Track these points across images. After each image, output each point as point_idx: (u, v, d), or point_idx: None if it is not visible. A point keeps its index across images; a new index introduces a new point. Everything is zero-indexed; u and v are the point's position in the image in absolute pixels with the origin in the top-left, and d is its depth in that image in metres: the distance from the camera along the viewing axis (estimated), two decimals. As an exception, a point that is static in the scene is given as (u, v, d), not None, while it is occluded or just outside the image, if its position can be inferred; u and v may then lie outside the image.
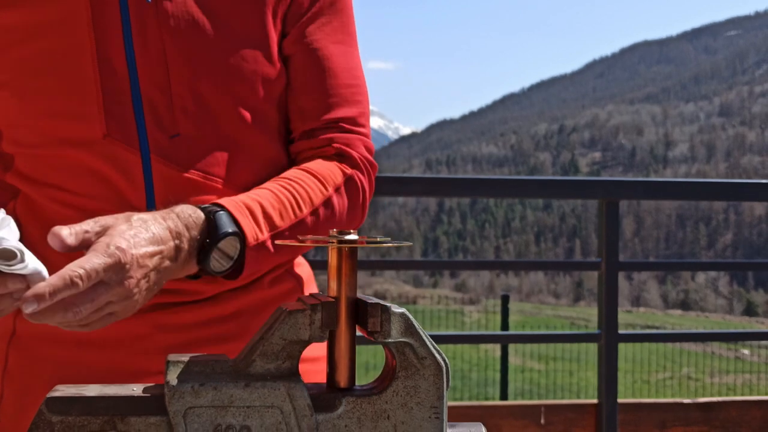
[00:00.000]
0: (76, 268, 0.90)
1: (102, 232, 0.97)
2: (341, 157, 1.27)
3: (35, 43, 1.15)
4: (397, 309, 0.78)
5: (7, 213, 1.21)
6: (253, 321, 1.23)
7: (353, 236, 0.81)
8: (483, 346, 15.65)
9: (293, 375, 0.77)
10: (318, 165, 1.24)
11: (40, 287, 0.87)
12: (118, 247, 0.94)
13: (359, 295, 0.85)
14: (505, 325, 10.24)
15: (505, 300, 10.54)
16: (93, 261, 0.92)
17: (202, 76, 1.18)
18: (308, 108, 1.27)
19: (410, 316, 0.79)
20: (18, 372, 1.22)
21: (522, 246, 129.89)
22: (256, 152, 1.23)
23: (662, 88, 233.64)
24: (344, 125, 1.28)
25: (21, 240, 1.03)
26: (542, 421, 2.78)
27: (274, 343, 0.77)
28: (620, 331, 2.85)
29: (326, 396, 0.79)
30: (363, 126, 1.30)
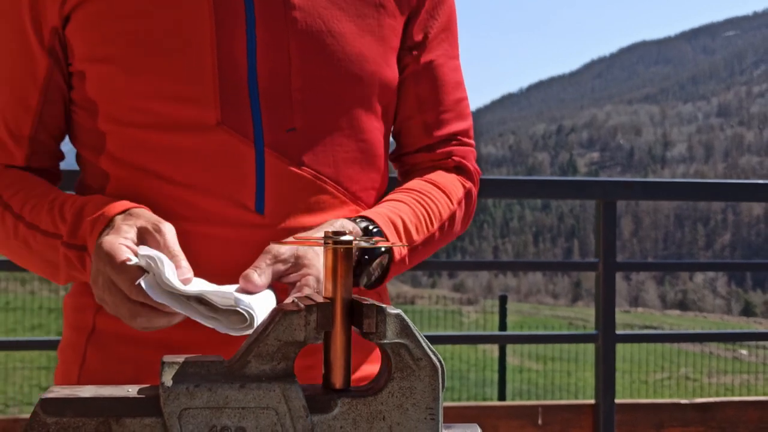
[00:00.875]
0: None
1: (298, 264, 1.01)
2: (459, 170, 1.31)
3: (150, 18, 1.11)
4: (392, 310, 0.78)
5: None
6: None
7: (348, 237, 0.81)
8: (481, 347, 15.66)
9: (288, 376, 0.77)
10: (442, 178, 1.28)
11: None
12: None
13: (354, 296, 0.85)
14: (503, 326, 10.24)
15: (503, 300, 10.53)
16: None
17: (323, 72, 1.16)
18: (430, 123, 1.29)
19: (405, 317, 0.79)
20: (95, 369, 1.20)
21: (520, 246, 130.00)
22: (366, 155, 1.22)
23: (660, 89, 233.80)
24: (461, 138, 1.32)
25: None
26: (539, 421, 2.79)
27: (269, 344, 0.77)
28: (618, 332, 2.85)
29: (321, 397, 0.79)
30: (472, 138, 1.34)
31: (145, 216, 1.03)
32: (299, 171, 1.15)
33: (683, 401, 2.87)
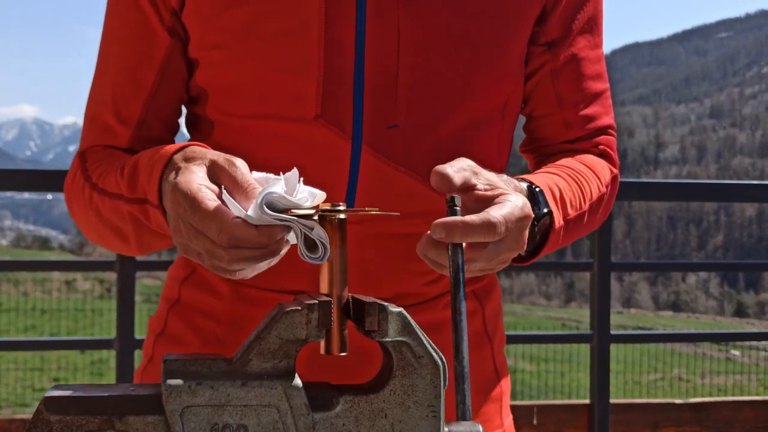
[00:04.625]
0: (495, 213, 0.89)
1: (491, 184, 0.95)
2: (604, 156, 1.25)
3: (259, 6, 1.09)
4: (394, 308, 0.79)
5: None
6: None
7: (342, 208, 0.86)
8: (475, 348, 15.62)
9: (290, 374, 0.78)
10: (593, 160, 1.22)
11: (455, 219, 0.87)
12: (522, 206, 0.93)
13: (356, 294, 0.85)
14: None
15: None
16: (513, 212, 0.92)
17: (435, 70, 1.10)
18: (573, 120, 1.22)
19: (407, 315, 0.79)
20: (170, 336, 1.22)
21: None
22: (477, 158, 1.10)
23: (653, 90, 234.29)
24: (608, 130, 1.26)
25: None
26: (535, 421, 2.79)
27: (270, 342, 0.77)
28: (612, 332, 2.86)
29: (323, 395, 0.79)
30: (615, 129, 1.29)
31: (210, 152, 0.96)
32: (397, 172, 1.10)
33: (678, 401, 2.88)
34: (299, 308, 0.78)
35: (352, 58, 1.08)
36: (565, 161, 1.18)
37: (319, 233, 0.86)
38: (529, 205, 0.95)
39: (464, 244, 0.89)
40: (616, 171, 1.25)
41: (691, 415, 2.85)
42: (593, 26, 1.22)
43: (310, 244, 0.86)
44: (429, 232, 0.87)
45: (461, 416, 0.82)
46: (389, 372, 0.80)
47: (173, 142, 1.21)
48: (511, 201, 0.93)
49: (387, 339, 0.78)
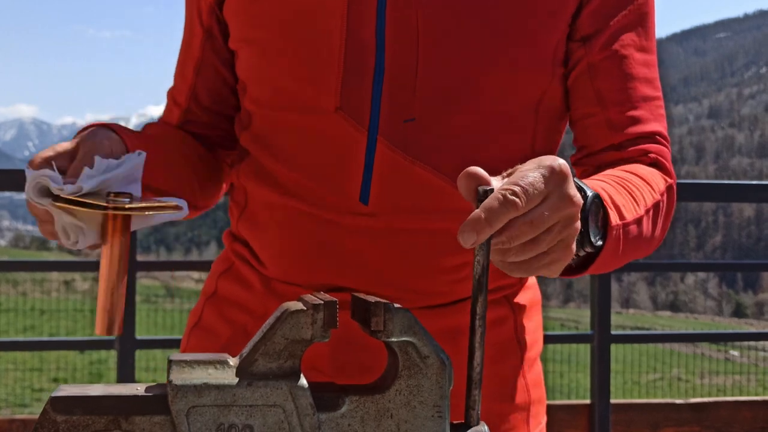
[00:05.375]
0: (509, 185, 0.79)
1: (510, 172, 0.85)
2: (657, 166, 1.15)
3: (288, 0, 1.11)
4: (399, 308, 0.79)
5: (233, 179, 1.24)
6: (444, 345, 1.05)
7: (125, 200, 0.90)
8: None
9: (295, 374, 0.78)
10: (641, 169, 1.12)
11: (474, 213, 0.78)
12: (550, 163, 0.82)
13: (361, 294, 0.86)
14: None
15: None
16: (528, 174, 0.81)
17: (454, 64, 1.08)
18: (617, 120, 1.15)
19: (412, 315, 0.79)
20: (204, 327, 1.26)
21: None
22: (496, 158, 1.09)
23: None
24: (658, 138, 1.17)
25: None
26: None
27: (276, 343, 0.78)
28: (613, 332, 2.86)
29: (329, 395, 0.79)
30: (669, 141, 1.19)
31: (89, 133, 1.03)
32: (412, 165, 1.08)
33: (678, 401, 2.88)
34: (304, 308, 0.78)
35: (372, 52, 1.08)
36: (610, 171, 1.10)
37: (64, 220, 0.94)
38: (554, 158, 0.84)
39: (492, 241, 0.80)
40: (671, 181, 1.15)
41: (690, 415, 2.85)
42: (639, 28, 1.16)
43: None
44: (459, 240, 0.79)
45: (470, 422, 0.82)
46: (395, 372, 0.80)
47: (226, 127, 1.30)
48: (520, 167, 0.84)
49: (392, 339, 0.78)
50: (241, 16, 1.16)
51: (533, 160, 0.84)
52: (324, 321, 0.78)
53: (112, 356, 14.12)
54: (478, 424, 0.82)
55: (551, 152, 1.17)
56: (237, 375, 0.77)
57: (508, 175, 0.84)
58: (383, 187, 1.09)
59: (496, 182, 0.81)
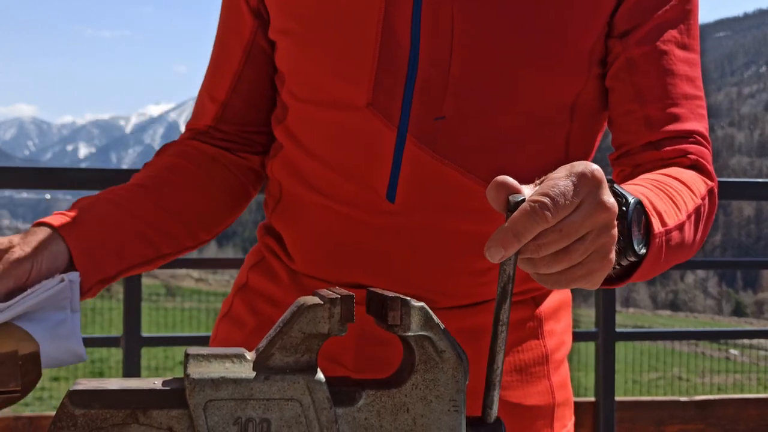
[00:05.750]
0: (538, 196, 0.76)
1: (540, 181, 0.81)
2: (697, 168, 1.11)
3: None
4: (416, 303, 0.79)
5: (268, 172, 1.23)
6: (467, 345, 1.01)
7: None
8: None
9: (312, 368, 0.78)
10: (680, 172, 1.07)
11: (501, 227, 0.75)
12: (582, 170, 0.79)
13: (377, 289, 0.86)
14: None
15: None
16: (559, 183, 0.77)
17: (488, 63, 1.06)
18: (655, 117, 1.11)
19: (429, 310, 0.79)
20: (232, 317, 1.27)
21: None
22: (528, 160, 1.08)
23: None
24: (698, 138, 1.12)
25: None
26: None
27: (293, 337, 0.78)
28: (618, 330, 2.86)
29: (346, 389, 0.79)
30: (710, 142, 1.15)
31: (31, 236, 1.02)
32: (441, 165, 1.07)
33: (683, 399, 2.88)
34: (321, 302, 0.78)
35: (406, 49, 1.07)
36: (646, 175, 1.05)
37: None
38: (586, 164, 0.80)
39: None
40: (712, 184, 1.10)
41: (695, 413, 2.85)
42: (681, 25, 1.13)
43: None
44: (486, 255, 0.76)
45: (486, 420, 0.82)
46: (411, 366, 0.80)
47: (265, 124, 1.26)
48: (551, 174, 0.80)
49: (409, 333, 0.78)
50: (282, 6, 1.15)
51: (565, 166, 0.81)
52: (341, 315, 0.78)
53: (113, 355, 14.11)
54: (494, 422, 0.83)
55: (587, 153, 1.16)
56: (254, 369, 0.77)
57: (540, 183, 0.80)
58: (411, 185, 1.08)
59: (528, 191, 0.79)
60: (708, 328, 13.59)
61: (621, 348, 15.18)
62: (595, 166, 0.81)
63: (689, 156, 1.10)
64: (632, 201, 0.88)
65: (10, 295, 0.96)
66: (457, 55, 1.07)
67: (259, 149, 1.27)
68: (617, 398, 2.82)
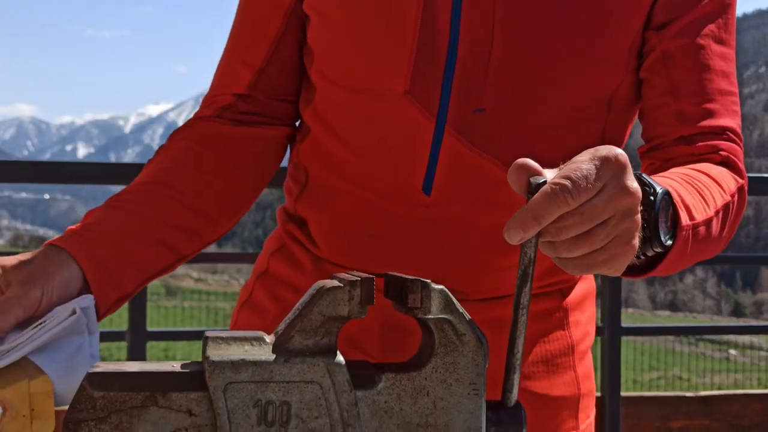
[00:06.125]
0: (559, 179, 0.76)
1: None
2: (728, 165, 1.10)
3: None
4: (436, 285, 0.78)
5: (293, 156, 1.20)
6: (492, 334, 0.97)
7: None
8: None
9: (331, 351, 0.77)
10: (710, 168, 1.06)
11: (521, 209, 0.75)
12: (606, 153, 0.79)
13: (395, 273, 0.85)
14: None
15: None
16: (582, 166, 0.77)
17: (529, 56, 1.05)
18: (689, 112, 1.09)
19: (449, 293, 0.79)
20: (253, 304, 1.25)
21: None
22: (564, 153, 1.01)
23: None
24: (730, 135, 1.11)
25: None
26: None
27: (312, 319, 0.77)
28: (623, 325, 2.87)
29: (365, 372, 0.79)
30: (742, 139, 1.14)
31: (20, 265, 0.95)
32: (480, 158, 1.05)
33: (688, 394, 2.88)
34: (341, 285, 0.77)
35: (446, 37, 1.05)
36: (679, 169, 1.04)
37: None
38: (610, 147, 0.80)
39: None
40: (742, 182, 1.09)
41: (700, 408, 2.85)
42: (719, 19, 1.12)
43: None
44: (505, 237, 0.76)
45: (506, 404, 0.82)
46: (430, 350, 0.79)
47: (296, 94, 1.21)
48: (575, 158, 0.80)
49: (430, 316, 0.78)
50: None
51: (589, 150, 0.80)
52: (361, 298, 0.77)
53: (115, 348, 14.10)
54: (514, 405, 0.82)
55: (620, 145, 1.14)
56: (273, 352, 0.77)
57: (563, 167, 0.80)
58: (448, 178, 1.07)
59: (550, 174, 0.78)
60: (710, 324, 13.55)
61: (622, 348, 15.19)
62: (620, 151, 0.80)
63: (721, 152, 1.09)
64: (660, 191, 0.88)
65: (20, 326, 0.91)
66: (497, 44, 1.04)
67: (287, 121, 1.22)
68: (623, 393, 2.82)
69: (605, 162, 0.78)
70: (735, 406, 2.89)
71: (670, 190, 0.92)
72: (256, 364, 0.75)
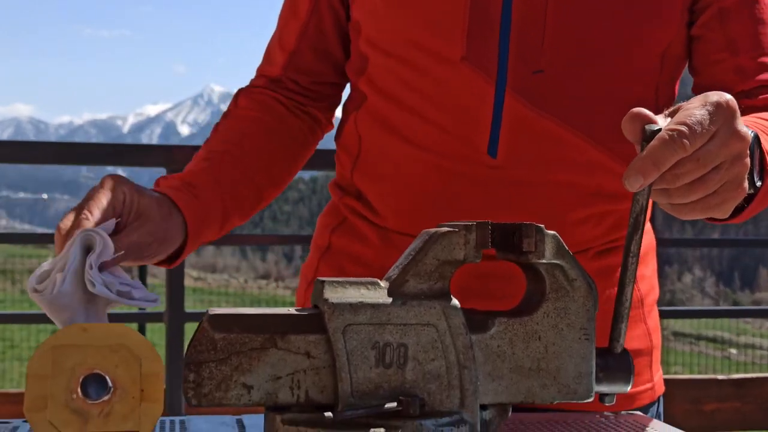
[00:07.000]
0: (675, 125, 0.77)
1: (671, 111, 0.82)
2: None
3: None
4: (549, 231, 0.79)
5: (347, 126, 1.21)
6: None
7: None
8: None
9: (445, 295, 0.78)
10: None
11: (639, 156, 0.76)
12: (717, 99, 0.80)
13: (487, 221, 0.85)
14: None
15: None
16: (695, 112, 0.78)
17: (584, 14, 1.06)
18: (747, 66, 1.11)
19: (561, 239, 0.79)
20: None
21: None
22: (620, 110, 1.01)
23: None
24: None
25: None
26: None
27: (427, 264, 0.78)
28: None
29: (478, 316, 0.79)
30: None
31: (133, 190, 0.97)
32: (541, 118, 1.07)
33: (720, 377, 2.89)
34: (456, 229, 0.78)
35: (499, 2, 1.06)
36: (745, 117, 0.99)
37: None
38: (721, 93, 0.81)
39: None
40: None
41: (732, 390, 2.85)
42: None
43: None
44: (625, 184, 0.77)
45: (613, 351, 0.82)
46: (541, 295, 0.80)
47: (334, 76, 1.25)
48: (685, 104, 0.81)
49: (543, 261, 0.79)
50: None
51: (698, 96, 0.81)
52: (476, 241, 0.78)
53: (157, 329, 14.09)
54: (621, 352, 0.83)
55: (672, 101, 1.16)
56: (389, 295, 0.77)
57: (672, 113, 0.81)
58: (512, 139, 1.08)
59: (662, 121, 0.80)
60: (715, 306, 13.46)
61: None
62: (729, 96, 0.81)
63: None
64: (752, 134, 0.88)
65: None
66: (552, 8, 1.06)
67: (326, 104, 1.27)
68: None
69: (717, 107, 0.79)
70: (767, 389, 2.90)
71: (759, 133, 0.93)
72: (374, 306, 0.76)
